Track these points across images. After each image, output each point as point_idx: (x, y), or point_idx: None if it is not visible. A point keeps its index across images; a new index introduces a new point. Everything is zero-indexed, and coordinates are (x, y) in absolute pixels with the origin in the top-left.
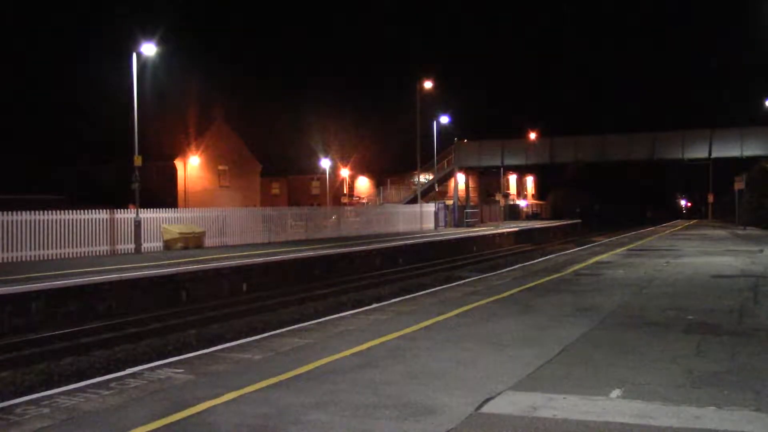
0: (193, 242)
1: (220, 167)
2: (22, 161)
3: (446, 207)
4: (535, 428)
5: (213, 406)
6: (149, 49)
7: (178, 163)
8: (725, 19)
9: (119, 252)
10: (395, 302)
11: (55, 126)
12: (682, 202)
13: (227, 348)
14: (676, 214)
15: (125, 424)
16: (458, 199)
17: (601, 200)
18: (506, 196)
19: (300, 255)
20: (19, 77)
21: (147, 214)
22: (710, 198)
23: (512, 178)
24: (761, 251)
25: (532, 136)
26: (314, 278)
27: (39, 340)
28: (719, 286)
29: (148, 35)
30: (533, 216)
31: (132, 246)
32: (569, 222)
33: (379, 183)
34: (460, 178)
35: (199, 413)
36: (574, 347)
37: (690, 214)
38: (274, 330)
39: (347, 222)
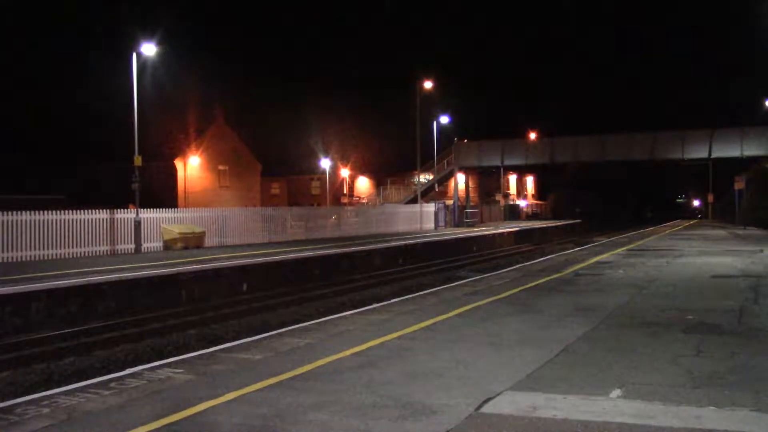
0: (193, 242)
1: (220, 167)
2: (22, 161)
3: (446, 207)
4: (535, 428)
5: (213, 406)
6: (149, 49)
7: (178, 163)
8: (725, 19)
9: (119, 252)
10: (395, 302)
11: (55, 126)
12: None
13: (227, 348)
14: (676, 214)
15: (125, 424)
16: (458, 199)
17: (601, 200)
18: (506, 196)
19: (300, 255)
20: (19, 77)
21: (147, 214)
22: (710, 198)
23: (512, 178)
24: (761, 251)
25: (532, 136)
26: (314, 278)
27: (39, 340)
28: (719, 286)
29: (148, 35)
30: (533, 216)
31: (132, 246)
32: (569, 222)
33: (379, 183)
34: (460, 178)
35: (199, 413)
36: (574, 347)
37: (691, 214)
38: (274, 330)
39: (347, 222)
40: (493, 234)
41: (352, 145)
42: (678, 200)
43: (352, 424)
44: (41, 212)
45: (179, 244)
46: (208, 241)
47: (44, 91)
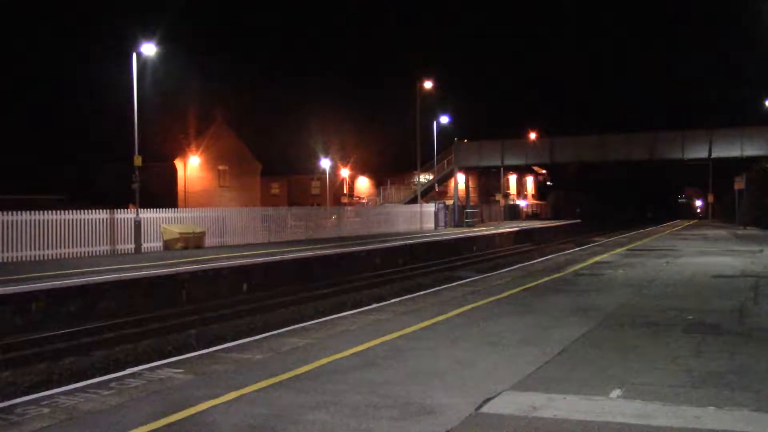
0: (193, 242)
1: (220, 167)
2: (22, 161)
3: (446, 207)
4: (535, 428)
5: (213, 406)
6: (149, 49)
7: (178, 163)
8: (725, 19)
9: (119, 252)
10: (395, 302)
11: (55, 126)
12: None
13: (227, 348)
14: (677, 214)
15: (125, 424)
16: (458, 199)
17: (601, 200)
18: (506, 196)
19: (300, 255)
20: (19, 77)
21: (147, 214)
22: (710, 198)
23: (512, 178)
24: (761, 251)
25: (532, 136)
26: (314, 278)
27: (39, 340)
28: (719, 286)
29: (148, 35)
30: (533, 216)
31: (132, 246)
32: (569, 222)
33: (379, 183)
34: (460, 178)
35: (199, 413)
36: (574, 347)
37: (693, 214)
38: (274, 330)
39: (347, 222)
40: (493, 234)
41: (352, 145)
42: (680, 200)
43: (352, 424)
44: (41, 212)
45: (179, 244)
46: (208, 241)
47: (44, 90)
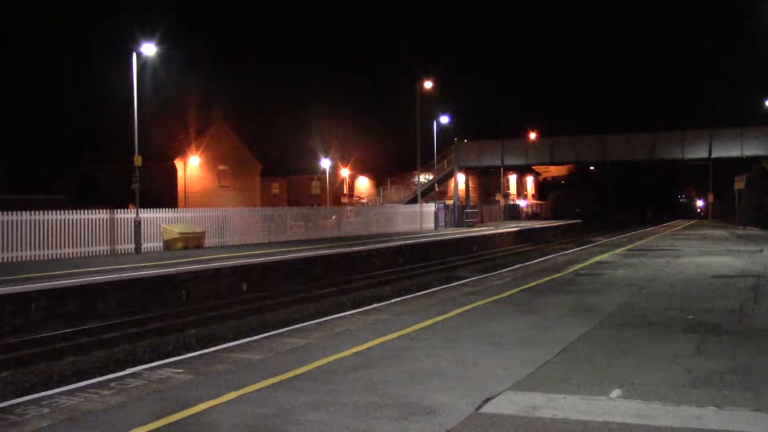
0: (193, 242)
1: (220, 167)
2: (22, 161)
3: (446, 207)
4: (535, 428)
5: (213, 406)
6: (149, 49)
7: (178, 163)
8: (725, 19)
9: (119, 252)
10: (395, 302)
11: (55, 126)
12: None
13: (227, 348)
14: (677, 214)
15: (125, 424)
16: (458, 199)
17: (601, 200)
18: (506, 196)
19: (300, 255)
20: (19, 77)
21: (147, 214)
22: (710, 198)
23: (512, 178)
24: (761, 251)
25: (532, 136)
26: (314, 278)
27: (39, 340)
28: (719, 286)
29: (148, 35)
30: (533, 216)
31: (132, 246)
32: (569, 222)
33: (379, 183)
34: (460, 178)
35: (199, 413)
36: (574, 347)
37: (691, 214)
38: (274, 330)
39: (347, 222)
40: (493, 234)
41: (352, 145)
42: (680, 200)
43: (352, 424)
44: (41, 212)
45: (179, 244)
46: (208, 241)
47: (44, 91)
